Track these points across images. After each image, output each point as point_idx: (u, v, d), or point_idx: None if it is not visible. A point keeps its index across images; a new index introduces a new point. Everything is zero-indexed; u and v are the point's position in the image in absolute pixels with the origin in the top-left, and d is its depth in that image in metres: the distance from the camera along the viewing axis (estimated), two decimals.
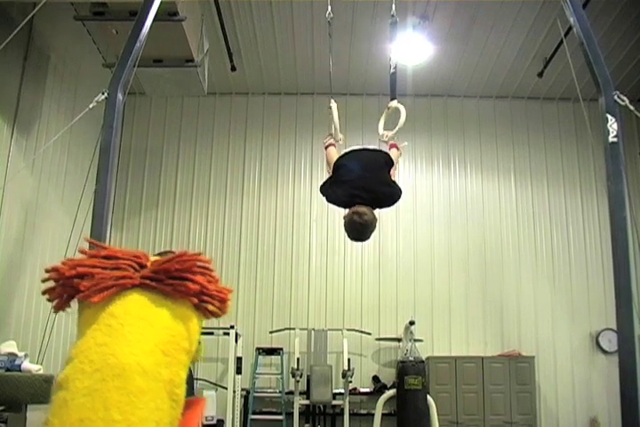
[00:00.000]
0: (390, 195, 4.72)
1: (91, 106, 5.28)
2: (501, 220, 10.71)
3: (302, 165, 10.89)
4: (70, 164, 8.63)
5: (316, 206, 10.53)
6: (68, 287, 1.89)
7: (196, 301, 1.91)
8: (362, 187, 4.56)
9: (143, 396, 1.68)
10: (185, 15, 7.21)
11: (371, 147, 4.87)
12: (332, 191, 4.74)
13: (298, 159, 10.93)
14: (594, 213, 10.68)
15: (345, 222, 4.52)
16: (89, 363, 1.70)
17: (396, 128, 5.39)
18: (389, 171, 4.77)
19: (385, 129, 5.52)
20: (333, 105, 5.56)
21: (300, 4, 8.68)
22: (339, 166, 4.76)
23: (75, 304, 1.96)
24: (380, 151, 4.84)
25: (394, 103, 5.58)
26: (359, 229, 4.49)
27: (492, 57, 9.91)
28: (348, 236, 4.59)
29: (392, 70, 5.75)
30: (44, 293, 1.95)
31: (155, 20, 5.61)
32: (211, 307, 1.97)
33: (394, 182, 4.77)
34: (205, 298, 1.94)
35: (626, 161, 4.98)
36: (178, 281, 1.91)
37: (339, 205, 4.78)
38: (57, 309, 1.96)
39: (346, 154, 4.80)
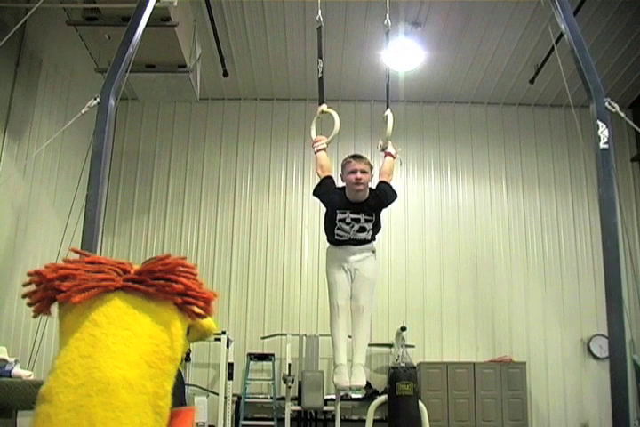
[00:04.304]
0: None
1: (83, 111, 5.27)
2: (493, 226, 10.73)
3: (294, 171, 10.89)
4: (62, 169, 8.61)
5: (307, 212, 10.54)
6: (50, 290, 1.88)
7: (180, 300, 1.90)
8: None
9: (128, 410, 1.67)
10: (177, 21, 7.22)
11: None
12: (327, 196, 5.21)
13: (290, 165, 10.93)
14: (585, 219, 10.71)
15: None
16: (73, 376, 1.68)
17: (385, 136, 5.48)
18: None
19: (382, 139, 5.62)
20: (333, 111, 5.59)
21: (292, 9, 8.70)
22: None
23: (55, 310, 1.95)
24: None
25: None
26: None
27: (484, 63, 9.94)
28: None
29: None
30: (24, 296, 1.94)
31: (147, 25, 5.61)
32: (195, 308, 1.96)
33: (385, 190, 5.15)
34: (189, 299, 1.93)
35: (617, 167, 5.01)
36: (161, 282, 1.90)
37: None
38: (36, 312, 1.95)
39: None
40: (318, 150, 5.41)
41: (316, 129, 5.73)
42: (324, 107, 5.63)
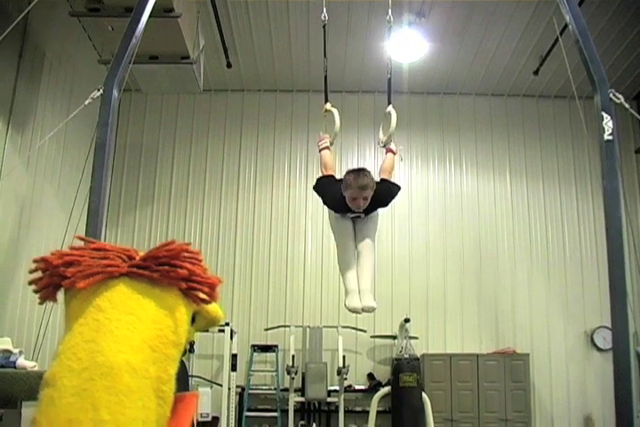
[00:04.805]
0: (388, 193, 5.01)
1: (86, 102, 5.27)
2: (497, 217, 10.72)
3: (298, 163, 10.88)
4: (65, 161, 8.61)
5: (311, 203, 10.52)
6: (55, 277, 1.89)
7: (184, 286, 1.90)
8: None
9: (132, 395, 1.67)
10: (181, 12, 7.20)
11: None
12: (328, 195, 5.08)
13: (293, 156, 10.92)
14: (589, 211, 10.69)
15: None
16: (77, 360, 1.69)
17: (388, 133, 5.47)
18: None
19: (383, 134, 5.60)
20: (334, 109, 5.57)
21: (295, 1, 8.67)
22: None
23: (61, 298, 1.95)
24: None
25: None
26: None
27: (488, 54, 9.91)
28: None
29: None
30: (30, 283, 1.94)
31: (150, 16, 5.60)
32: (200, 293, 1.96)
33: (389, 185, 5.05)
34: (194, 284, 1.93)
35: (621, 159, 5.00)
36: (166, 267, 1.90)
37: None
38: (42, 299, 1.95)
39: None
40: (322, 149, 5.40)
41: (324, 126, 5.73)
42: (327, 105, 5.65)
